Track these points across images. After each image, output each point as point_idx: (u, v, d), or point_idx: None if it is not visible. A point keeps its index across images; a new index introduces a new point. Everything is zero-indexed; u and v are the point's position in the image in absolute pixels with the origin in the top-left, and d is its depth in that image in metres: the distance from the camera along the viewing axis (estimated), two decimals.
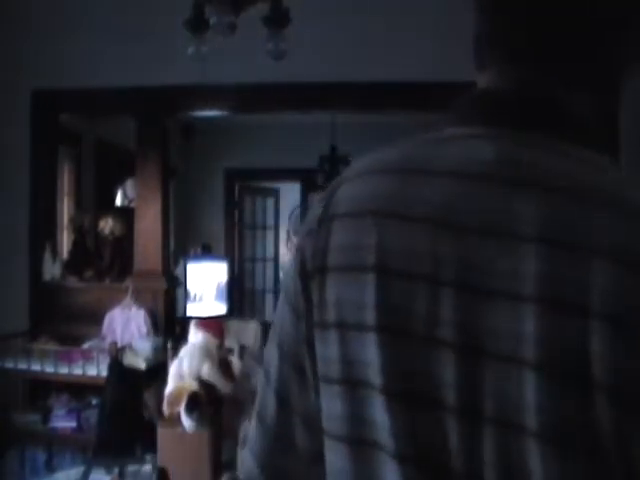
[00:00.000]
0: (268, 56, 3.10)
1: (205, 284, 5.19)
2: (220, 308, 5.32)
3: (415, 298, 0.58)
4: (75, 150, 5.72)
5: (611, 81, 0.68)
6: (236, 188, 7.87)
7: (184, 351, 2.73)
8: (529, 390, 0.54)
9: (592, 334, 0.53)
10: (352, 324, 0.61)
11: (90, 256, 5.08)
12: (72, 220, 5.34)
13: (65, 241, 5.44)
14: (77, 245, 5.13)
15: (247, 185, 8.09)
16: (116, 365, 3.76)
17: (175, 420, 2.61)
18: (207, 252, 6.49)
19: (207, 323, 2.90)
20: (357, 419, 0.61)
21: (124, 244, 4.89)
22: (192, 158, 7.30)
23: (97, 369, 3.88)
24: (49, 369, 3.89)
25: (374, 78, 3.98)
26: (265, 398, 0.69)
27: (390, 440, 0.59)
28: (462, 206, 0.59)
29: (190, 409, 2.46)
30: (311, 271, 0.65)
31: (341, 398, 0.62)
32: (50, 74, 4.27)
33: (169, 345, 3.40)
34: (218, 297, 5.31)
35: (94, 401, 3.97)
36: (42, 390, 4.13)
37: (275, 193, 8.69)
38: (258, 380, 0.71)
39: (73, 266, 4.80)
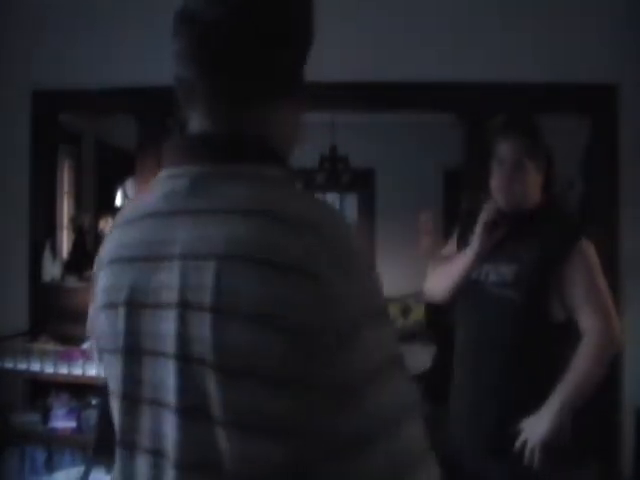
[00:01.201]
0: None
1: None
2: None
3: (116, 321, 0.83)
4: (75, 150, 5.72)
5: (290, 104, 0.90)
6: None
7: None
8: (169, 426, 0.78)
9: (210, 325, 0.72)
10: (113, 350, 0.84)
11: (90, 256, 5.07)
12: (72, 220, 5.34)
13: (65, 241, 5.44)
14: (77, 245, 5.13)
15: None
16: None
17: None
18: None
19: None
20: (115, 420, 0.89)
21: None
22: None
23: (97, 369, 3.88)
24: (49, 369, 3.89)
25: (374, 78, 3.98)
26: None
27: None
28: (142, 241, 0.80)
29: None
30: (96, 308, 0.87)
31: (118, 409, 0.87)
32: (50, 74, 4.26)
33: None
34: None
35: (94, 401, 3.97)
36: (42, 390, 4.12)
37: None
38: None
39: (73, 266, 4.80)
